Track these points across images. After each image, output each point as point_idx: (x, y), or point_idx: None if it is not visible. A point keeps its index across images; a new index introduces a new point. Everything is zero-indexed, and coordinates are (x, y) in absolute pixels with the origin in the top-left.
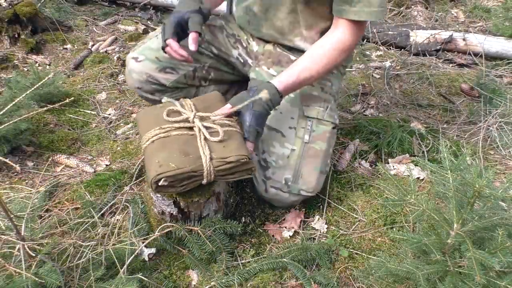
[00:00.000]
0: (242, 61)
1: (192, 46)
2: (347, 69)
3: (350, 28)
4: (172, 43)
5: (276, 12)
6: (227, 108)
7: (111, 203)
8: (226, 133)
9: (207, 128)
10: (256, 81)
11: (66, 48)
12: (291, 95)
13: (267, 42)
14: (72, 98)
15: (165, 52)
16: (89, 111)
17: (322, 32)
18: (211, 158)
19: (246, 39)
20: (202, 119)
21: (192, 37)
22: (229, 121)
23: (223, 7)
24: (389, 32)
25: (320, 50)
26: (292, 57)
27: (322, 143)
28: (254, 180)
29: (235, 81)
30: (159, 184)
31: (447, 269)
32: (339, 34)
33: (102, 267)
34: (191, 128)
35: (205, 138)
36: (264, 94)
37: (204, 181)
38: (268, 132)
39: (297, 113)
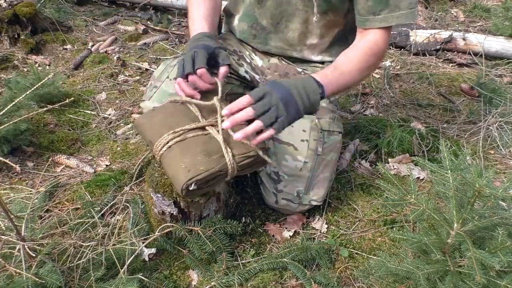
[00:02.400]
0: (249, 78)
1: (222, 79)
2: None
3: (379, 35)
4: (205, 72)
5: (288, 23)
6: (247, 98)
7: (111, 203)
8: (239, 127)
9: (217, 125)
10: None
11: (66, 49)
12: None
13: (271, 56)
14: (72, 98)
15: (185, 79)
16: (89, 112)
17: (333, 40)
18: (233, 155)
19: (249, 54)
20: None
21: (223, 71)
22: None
23: None
24: None
25: (355, 53)
26: (299, 69)
27: (333, 153)
28: (263, 191)
29: None
30: (190, 189)
31: (447, 268)
32: (371, 38)
33: (102, 267)
34: (203, 128)
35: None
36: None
37: (228, 178)
38: (280, 145)
39: (309, 125)
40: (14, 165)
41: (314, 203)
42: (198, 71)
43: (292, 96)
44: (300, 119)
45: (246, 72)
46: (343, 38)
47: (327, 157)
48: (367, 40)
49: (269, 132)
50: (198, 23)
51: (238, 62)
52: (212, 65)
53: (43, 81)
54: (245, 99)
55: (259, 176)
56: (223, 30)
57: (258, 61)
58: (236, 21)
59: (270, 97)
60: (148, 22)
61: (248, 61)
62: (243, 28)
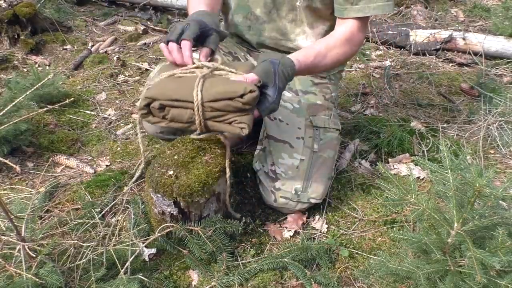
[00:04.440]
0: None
1: (202, 59)
2: (346, 69)
3: (356, 25)
4: (187, 45)
5: (279, 11)
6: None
7: (112, 204)
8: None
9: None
10: (268, 53)
11: (66, 49)
12: (296, 105)
13: None
14: (72, 98)
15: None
16: (89, 112)
17: (325, 32)
18: (201, 91)
19: (243, 55)
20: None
21: (205, 52)
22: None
23: None
24: (389, 32)
25: (332, 40)
26: None
27: (330, 150)
28: (262, 190)
29: None
30: (151, 106)
31: (447, 268)
32: (347, 28)
33: (103, 267)
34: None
35: (203, 76)
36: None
37: (196, 122)
38: (276, 143)
39: (304, 123)
40: (14, 166)
41: (313, 201)
42: (182, 42)
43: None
44: (295, 117)
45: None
46: None
47: (324, 154)
48: (343, 30)
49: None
50: (197, 5)
51: (234, 56)
52: (201, 43)
53: (43, 81)
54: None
55: (258, 175)
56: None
57: (253, 61)
58: (230, 16)
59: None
60: (148, 22)
61: (243, 61)
62: (238, 20)
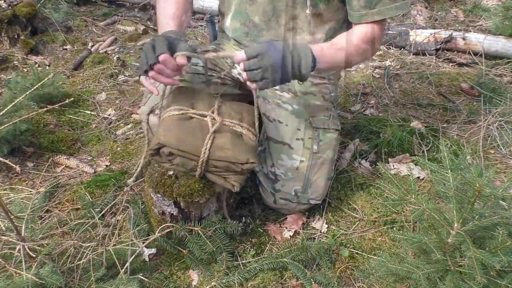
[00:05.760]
0: (243, 79)
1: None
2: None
3: (373, 27)
4: (168, 58)
5: (279, 19)
6: (241, 55)
7: (112, 203)
8: (236, 133)
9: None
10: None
11: (66, 49)
12: (296, 106)
13: None
14: (72, 98)
15: (150, 70)
16: (89, 112)
17: (327, 38)
18: (209, 150)
19: None
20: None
21: (180, 60)
22: (251, 129)
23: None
24: (389, 32)
25: (352, 37)
26: None
27: (330, 151)
28: (262, 191)
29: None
30: (161, 150)
31: (447, 268)
32: (367, 29)
33: (103, 267)
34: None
35: (214, 131)
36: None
37: (197, 173)
38: (276, 145)
39: (304, 124)
40: (14, 166)
41: (313, 202)
42: (161, 58)
43: (284, 66)
44: (294, 119)
45: (240, 74)
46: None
47: (323, 155)
48: (362, 30)
49: (251, 86)
50: (165, 25)
51: (230, 65)
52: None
53: (43, 81)
54: (240, 55)
55: (257, 176)
56: (218, 31)
57: None
58: (228, 20)
59: (262, 59)
60: (148, 22)
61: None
62: (236, 26)
